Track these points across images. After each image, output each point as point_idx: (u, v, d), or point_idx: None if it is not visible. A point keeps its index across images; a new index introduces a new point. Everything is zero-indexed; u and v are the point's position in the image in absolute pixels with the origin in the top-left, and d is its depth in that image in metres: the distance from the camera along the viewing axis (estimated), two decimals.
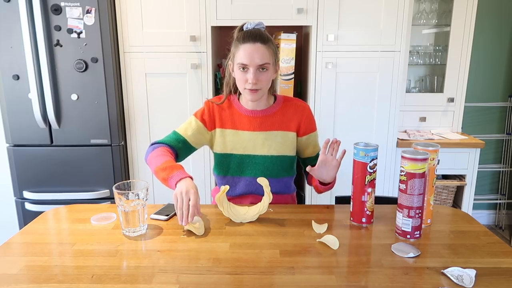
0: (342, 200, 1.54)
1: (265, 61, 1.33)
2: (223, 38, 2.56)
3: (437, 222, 1.28)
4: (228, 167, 1.49)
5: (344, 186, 2.46)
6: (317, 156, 1.50)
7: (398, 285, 0.94)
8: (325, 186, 1.41)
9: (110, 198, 2.28)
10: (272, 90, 1.49)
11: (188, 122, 1.48)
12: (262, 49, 1.32)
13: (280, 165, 1.49)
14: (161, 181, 1.30)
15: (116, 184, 1.20)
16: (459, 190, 2.59)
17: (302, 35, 2.58)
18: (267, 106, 1.48)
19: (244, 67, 1.34)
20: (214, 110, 1.48)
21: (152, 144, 1.44)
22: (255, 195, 1.49)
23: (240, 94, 1.49)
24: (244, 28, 1.37)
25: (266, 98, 1.47)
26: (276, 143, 1.46)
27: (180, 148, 1.45)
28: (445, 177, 2.58)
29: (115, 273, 0.99)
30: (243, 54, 1.33)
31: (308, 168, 1.34)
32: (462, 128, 2.70)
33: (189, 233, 1.20)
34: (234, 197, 1.51)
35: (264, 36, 1.34)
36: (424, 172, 1.12)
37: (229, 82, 1.48)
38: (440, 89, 2.68)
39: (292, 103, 1.50)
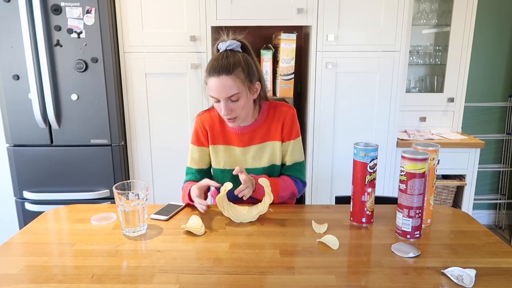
0: (342, 200, 1.54)
1: (232, 92, 1.31)
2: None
3: (437, 222, 1.28)
4: (223, 181, 1.48)
5: (344, 186, 2.48)
6: (292, 165, 1.50)
7: (398, 285, 0.94)
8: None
9: (110, 198, 2.28)
10: (258, 101, 1.48)
11: (190, 153, 1.55)
12: (228, 82, 1.30)
13: (272, 174, 1.50)
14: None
15: (116, 184, 1.20)
16: (459, 190, 2.59)
17: (302, 35, 2.58)
18: (253, 119, 1.49)
19: (216, 99, 1.35)
20: (206, 127, 1.50)
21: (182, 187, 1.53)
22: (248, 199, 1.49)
23: None
24: (218, 47, 1.37)
25: (251, 113, 1.47)
26: (267, 154, 1.49)
27: (201, 177, 1.51)
28: (445, 177, 2.58)
29: (115, 273, 1.00)
30: (211, 87, 1.33)
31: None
32: (462, 128, 2.70)
33: (189, 233, 1.20)
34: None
35: (228, 66, 1.30)
36: (424, 172, 1.12)
37: None
38: (440, 89, 2.68)
39: (277, 110, 1.50)
